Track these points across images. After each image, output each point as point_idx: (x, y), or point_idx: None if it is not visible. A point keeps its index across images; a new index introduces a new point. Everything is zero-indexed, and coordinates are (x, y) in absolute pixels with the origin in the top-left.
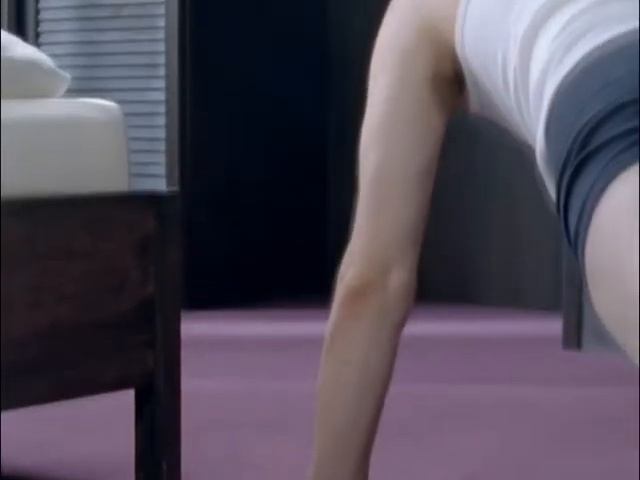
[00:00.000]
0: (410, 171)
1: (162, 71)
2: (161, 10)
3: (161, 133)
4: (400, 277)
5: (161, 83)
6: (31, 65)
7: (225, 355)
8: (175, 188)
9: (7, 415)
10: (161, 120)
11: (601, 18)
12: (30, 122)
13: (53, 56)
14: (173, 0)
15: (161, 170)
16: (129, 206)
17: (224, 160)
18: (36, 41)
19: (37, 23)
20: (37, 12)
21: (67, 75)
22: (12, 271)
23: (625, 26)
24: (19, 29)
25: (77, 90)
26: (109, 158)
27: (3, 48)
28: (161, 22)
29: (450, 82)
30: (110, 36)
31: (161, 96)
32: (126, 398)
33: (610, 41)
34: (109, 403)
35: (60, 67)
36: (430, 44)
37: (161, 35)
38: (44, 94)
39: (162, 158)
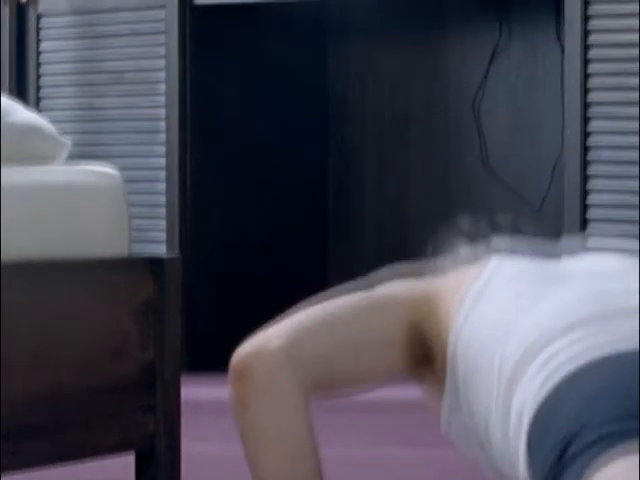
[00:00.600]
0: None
1: (163, 137)
2: (161, 76)
3: (161, 199)
4: (276, 343)
5: (162, 149)
6: (32, 131)
7: (226, 419)
8: (175, 253)
9: (7, 479)
10: (161, 186)
11: (578, 351)
12: (31, 187)
13: (54, 121)
14: (173, 66)
15: (161, 235)
16: (129, 271)
17: (224, 225)
18: (37, 106)
19: (38, 88)
20: (38, 77)
21: (68, 141)
22: (12, 335)
23: (602, 351)
24: (20, 94)
25: (78, 155)
26: (109, 223)
27: (4, 113)
28: (162, 88)
29: (420, 357)
30: (110, 101)
31: (162, 162)
32: (127, 461)
33: (579, 369)
34: (109, 466)
35: (61, 132)
36: (426, 313)
37: (162, 101)
38: (45, 160)
39: (162, 224)
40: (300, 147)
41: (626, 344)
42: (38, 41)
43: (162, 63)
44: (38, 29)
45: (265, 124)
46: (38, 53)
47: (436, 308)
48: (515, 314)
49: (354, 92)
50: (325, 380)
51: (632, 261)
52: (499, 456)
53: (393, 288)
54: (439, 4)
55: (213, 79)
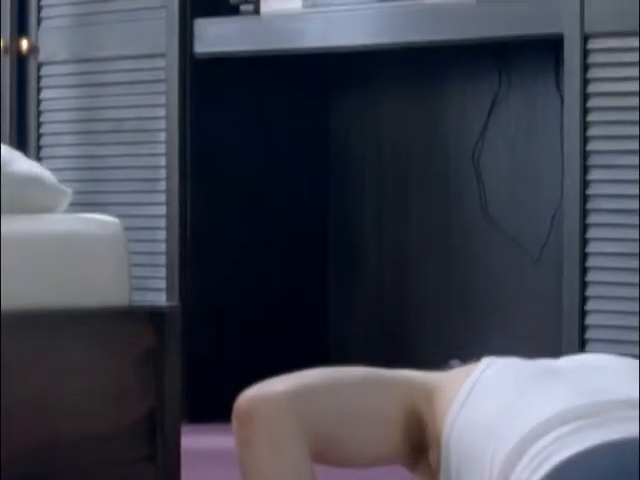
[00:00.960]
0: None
1: (163, 185)
2: (162, 124)
3: (161, 247)
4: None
5: (162, 197)
6: (33, 180)
7: (226, 469)
8: (175, 302)
9: None
10: (162, 234)
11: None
12: (31, 237)
13: (54, 169)
14: (173, 115)
15: (161, 283)
16: (129, 320)
17: (225, 273)
18: (37, 154)
19: (38, 136)
20: (38, 125)
21: (69, 190)
22: (12, 384)
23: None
24: (20, 142)
25: (78, 204)
26: (110, 273)
27: (4, 163)
28: (162, 136)
29: (415, 446)
30: (111, 150)
31: (162, 210)
32: None
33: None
34: None
35: (61, 181)
36: (424, 405)
37: (162, 149)
38: (46, 209)
39: (162, 271)
40: (300, 197)
41: (617, 434)
42: (39, 90)
43: (162, 112)
44: (39, 77)
45: (265, 174)
46: (38, 101)
47: (433, 399)
48: (508, 408)
49: (354, 142)
50: (324, 439)
51: (629, 361)
52: None
53: (398, 372)
54: (438, 54)
55: (213, 128)
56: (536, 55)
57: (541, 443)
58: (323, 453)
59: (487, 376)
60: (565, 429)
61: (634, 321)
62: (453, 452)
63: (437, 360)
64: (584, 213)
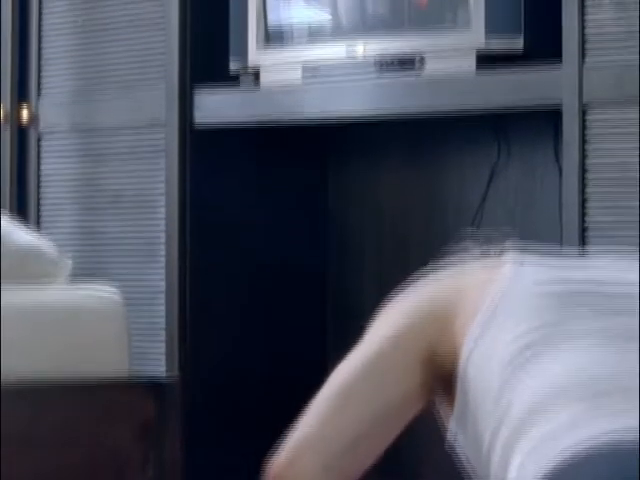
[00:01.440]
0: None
1: (162, 258)
2: (161, 197)
3: (161, 320)
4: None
5: (161, 270)
6: (33, 252)
7: None
8: (175, 373)
9: None
10: (161, 307)
11: (572, 424)
12: (31, 308)
13: (54, 240)
14: (173, 187)
15: (161, 355)
16: (129, 392)
17: (225, 346)
18: (37, 226)
19: (38, 208)
20: (38, 197)
21: (69, 261)
22: (12, 455)
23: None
24: (21, 214)
25: (78, 274)
26: (109, 344)
27: (4, 233)
28: (161, 209)
29: (439, 377)
30: (110, 221)
31: (161, 281)
32: None
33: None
34: None
35: (61, 251)
36: (437, 334)
37: (161, 222)
38: (46, 280)
39: (162, 344)
40: (300, 269)
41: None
42: (39, 161)
43: (162, 182)
44: (39, 149)
45: (265, 244)
46: (39, 173)
47: (448, 325)
48: (525, 355)
49: (354, 211)
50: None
51: None
52: None
53: (399, 318)
54: (437, 124)
55: (213, 199)
56: (535, 125)
57: (551, 416)
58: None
59: (507, 300)
60: (583, 405)
61: None
62: (471, 381)
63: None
64: None
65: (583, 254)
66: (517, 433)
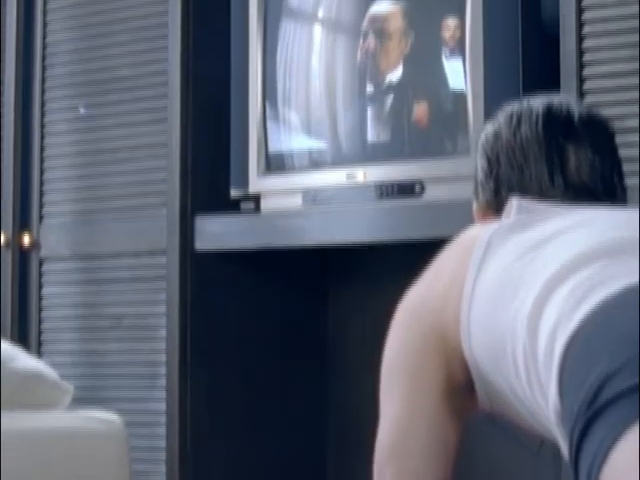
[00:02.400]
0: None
1: (163, 382)
2: (162, 321)
3: (161, 442)
4: None
5: (162, 394)
6: (34, 377)
7: None
8: None
9: None
10: (162, 430)
11: (606, 276)
12: (32, 434)
13: (55, 365)
14: (174, 311)
15: (162, 474)
16: None
17: (226, 469)
18: (38, 350)
19: (39, 333)
20: (39, 322)
21: (70, 387)
22: None
23: (629, 280)
24: (22, 338)
25: (79, 399)
26: (111, 470)
27: (5, 359)
28: (162, 333)
29: (462, 388)
30: (111, 346)
31: (162, 406)
32: None
33: (616, 295)
34: None
35: (62, 376)
36: (438, 354)
37: (162, 345)
38: (48, 405)
39: (162, 468)
40: (300, 387)
41: None
42: (40, 286)
43: (163, 308)
44: (40, 274)
45: (265, 370)
46: (40, 298)
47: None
48: (526, 258)
49: (353, 337)
50: None
51: None
52: (525, 396)
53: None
54: (437, 249)
55: (213, 325)
56: None
57: (563, 289)
58: None
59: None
60: (598, 265)
61: None
62: (480, 358)
63: None
64: None
65: None
66: (540, 302)
